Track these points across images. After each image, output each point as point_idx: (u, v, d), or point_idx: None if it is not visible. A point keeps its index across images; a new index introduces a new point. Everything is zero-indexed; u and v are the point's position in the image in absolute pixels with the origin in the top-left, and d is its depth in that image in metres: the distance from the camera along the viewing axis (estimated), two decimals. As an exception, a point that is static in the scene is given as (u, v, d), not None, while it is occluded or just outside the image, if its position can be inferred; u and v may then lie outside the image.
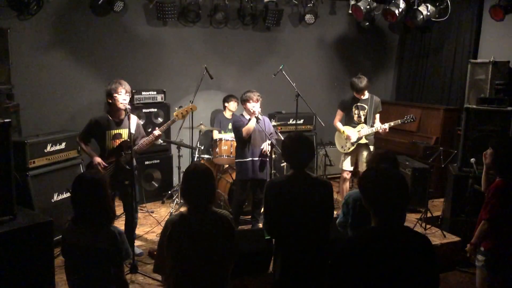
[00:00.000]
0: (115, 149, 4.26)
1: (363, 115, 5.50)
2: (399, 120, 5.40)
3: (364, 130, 5.46)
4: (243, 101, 4.99)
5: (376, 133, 5.55)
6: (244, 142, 4.99)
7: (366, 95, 5.52)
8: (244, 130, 4.91)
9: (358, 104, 5.51)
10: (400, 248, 2.06)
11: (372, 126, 5.45)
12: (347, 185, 5.70)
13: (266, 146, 5.02)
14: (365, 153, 5.49)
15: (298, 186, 3.02)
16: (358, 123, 5.52)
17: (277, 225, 3.06)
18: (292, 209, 2.99)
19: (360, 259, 2.03)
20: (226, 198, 5.58)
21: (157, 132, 4.31)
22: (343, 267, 2.07)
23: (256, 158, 5.02)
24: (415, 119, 5.54)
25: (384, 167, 2.40)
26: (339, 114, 5.69)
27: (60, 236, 4.41)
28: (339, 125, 5.67)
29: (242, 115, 5.10)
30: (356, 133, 5.49)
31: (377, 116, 5.55)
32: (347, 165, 5.60)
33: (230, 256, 2.70)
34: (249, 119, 4.95)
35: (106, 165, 4.22)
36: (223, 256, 2.66)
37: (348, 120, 5.62)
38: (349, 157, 5.59)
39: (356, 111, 5.53)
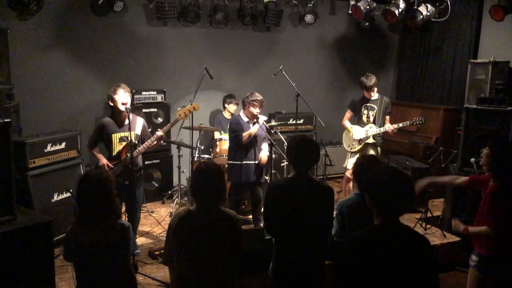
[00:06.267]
0: (120, 151, 4.32)
1: (372, 115, 5.51)
2: (407, 121, 5.41)
3: (372, 129, 5.47)
4: (247, 103, 4.87)
5: (385, 134, 5.57)
6: (238, 144, 4.90)
7: (376, 95, 5.53)
8: (245, 135, 4.83)
9: (368, 104, 5.54)
10: (402, 247, 2.07)
11: (381, 126, 5.46)
12: (350, 184, 5.68)
13: (263, 154, 4.95)
14: (372, 153, 5.50)
15: (299, 189, 3.02)
16: (367, 123, 5.54)
17: (276, 226, 3.06)
18: (292, 211, 2.99)
19: (363, 257, 2.04)
20: (226, 198, 5.57)
21: (160, 132, 4.34)
22: (347, 265, 2.08)
23: (250, 162, 4.93)
24: (424, 122, 5.56)
25: (390, 166, 2.38)
26: (348, 113, 5.72)
27: (61, 236, 4.46)
28: (347, 123, 5.71)
29: (239, 116, 5.01)
30: (362, 132, 5.50)
31: (387, 118, 5.57)
32: (352, 164, 5.60)
33: (235, 255, 2.71)
34: (248, 121, 4.90)
35: (112, 166, 4.27)
36: (227, 254, 2.66)
37: (357, 120, 5.66)
38: (355, 157, 5.58)
39: (365, 111, 5.55)
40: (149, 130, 4.65)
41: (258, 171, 4.99)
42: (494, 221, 3.23)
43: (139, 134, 4.40)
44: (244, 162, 4.91)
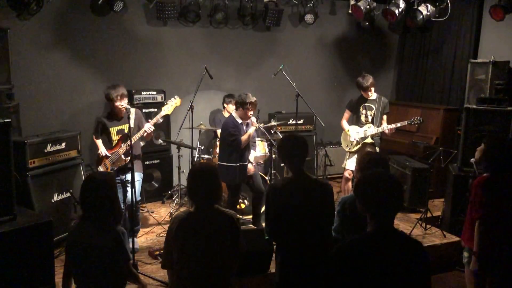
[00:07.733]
0: (117, 142, 4.74)
1: (371, 115, 5.52)
2: (405, 121, 5.41)
3: (370, 129, 5.47)
4: (242, 104, 4.82)
5: (382, 134, 5.57)
6: (236, 147, 4.83)
7: (374, 95, 5.53)
8: (243, 139, 4.81)
9: (366, 104, 5.53)
10: (395, 254, 2.07)
11: (379, 126, 5.46)
12: (349, 184, 5.67)
13: (251, 166, 5.01)
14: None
15: (299, 189, 3.02)
16: (366, 123, 5.54)
17: (278, 228, 3.06)
18: (293, 212, 2.99)
19: (356, 264, 2.03)
20: (227, 198, 5.57)
21: (148, 127, 4.62)
22: (339, 272, 2.08)
23: (246, 163, 4.92)
24: (422, 121, 5.56)
25: (379, 171, 2.39)
26: (347, 113, 5.73)
27: (61, 236, 4.47)
28: (344, 124, 5.72)
29: (233, 117, 4.94)
30: (361, 132, 5.51)
31: (385, 117, 5.57)
32: (350, 164, 5.60)
33: (234, 255, 2.71)
34: (242, 123, 4.88)
35: (109, 155, 4.70)
36: (227, 254, 2.67)
37: (356, 120, 5.66)
38: (354, 157, 5.59)
39: (364, 111, 5.54)
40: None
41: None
42: (483, 211, 3.24)
43: (133, 127, 4.66)
44: (241, 163, 4.87)
